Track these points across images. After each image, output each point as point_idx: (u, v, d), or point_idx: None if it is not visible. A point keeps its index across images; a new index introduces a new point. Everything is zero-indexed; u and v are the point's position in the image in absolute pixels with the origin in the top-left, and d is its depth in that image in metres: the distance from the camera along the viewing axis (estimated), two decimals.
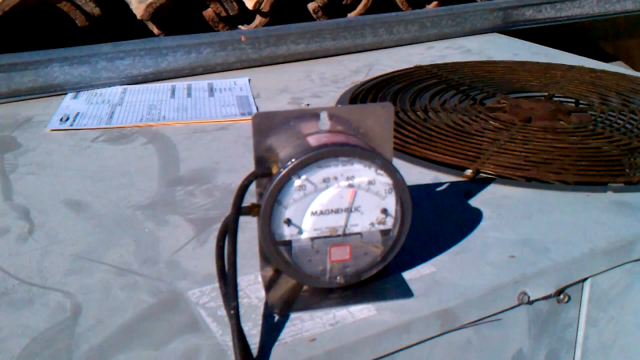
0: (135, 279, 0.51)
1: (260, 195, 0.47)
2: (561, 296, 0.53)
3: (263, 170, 0.47)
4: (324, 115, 0.48)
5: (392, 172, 0.46)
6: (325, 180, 0.46)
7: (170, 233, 0.58)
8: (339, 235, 0.47)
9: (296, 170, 0.45)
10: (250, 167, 0.47)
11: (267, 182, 0.46)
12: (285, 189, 0.45)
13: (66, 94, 0.97)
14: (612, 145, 0.75)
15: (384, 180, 0.46)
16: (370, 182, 0.46)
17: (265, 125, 0.47)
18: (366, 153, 0.46)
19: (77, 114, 0.89)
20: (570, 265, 0.53)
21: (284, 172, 0.45)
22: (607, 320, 0.58)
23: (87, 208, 0.63)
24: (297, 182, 0.45)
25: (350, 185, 0.46)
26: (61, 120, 0.87)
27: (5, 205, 0.64)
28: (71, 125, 0.85)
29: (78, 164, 0.73)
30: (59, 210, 0.63)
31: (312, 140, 0.47)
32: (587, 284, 0.55)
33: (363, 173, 0.46)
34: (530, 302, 0.52)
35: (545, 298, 0.52)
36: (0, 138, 0.82)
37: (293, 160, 0.45)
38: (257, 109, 0.90)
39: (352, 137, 0.48)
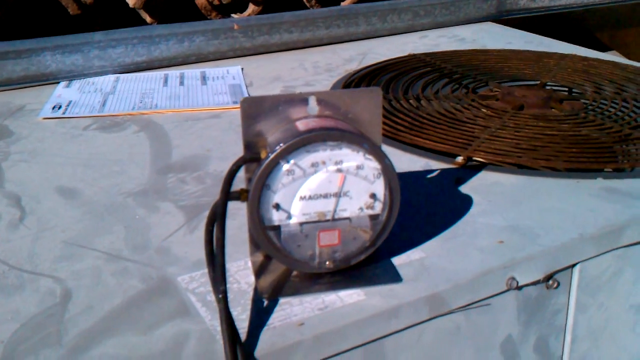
0: (125, 265, 0.51)
1: (249, 180, 0.47)
2: (550, 282, 0.53)
3: (252, 155, 0.47)
4: (312, 100, 0.48)
5: (381, 157, 0.46)
6: (314, 165, 0.46)
7: (161, 220, 0.58)
8: (327, 220, 0.47)
9: (284, 155, 0.45)
10: (241, 154, 0.47)
11: (256, 167, 0.46)
12: (274, 173, 0.45)
13: (59, 82, 0.97)
14: (603, 133, 0.75)
15: (372, 165, 0.46)
16: (358, 167, 0.46)
17: (254, 110, 0.47)
18: (354, 137, 0.46)
19: (70, 103, 0.88)
20: (559, 250, 0.53)
21: (272, 156, 0.45)
22: (597, 306, 0.58)
23: (78, 195, 0.63)
24: (285, 167, 0.45)
25: (339, 170, 0.46)
26: (53, 108, 0.87)
27: None
28: (63, 113, 0.85)
29: (70, 151, 0.73)
30: (50, 197, 0.63)
31: (301, 125, 0.47)
32: (576, 270, 0.55)
33: (351, 157, 0.46)
34: (519, 288, 0.52)
35: (534, 283, 0.53)
36: None
37: (281, 144, 0.45)
38: None
39: (340, 122, 0.48)
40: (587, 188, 0.63)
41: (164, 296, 0.47)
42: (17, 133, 0.79)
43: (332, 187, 0.46)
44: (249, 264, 0.51)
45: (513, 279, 0.51)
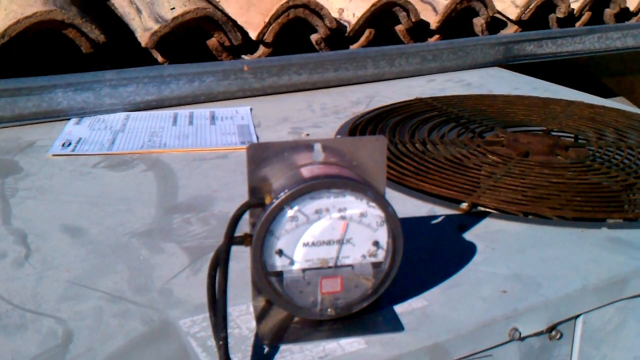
0: (127, 307, 0.51)
1: (253, 225, 0.47)
2: (553, 333, 0.53)
3: (256, 200, 0.47)
4: (317, 147, 0.49)
5: (384, 205, 0.47)
6: (318, 212, 0.46)
7: (165, 261, 0.58)
8: (330, 267, 0.47)
9: (289, 201, 0.45)
10: (247, 196, 0.47)
11: (260, 212, 0.46)
12: (278, 219, 0.45)
13: (69, 119, 0.98)
14: (609, 182, 0.75)
15: (375, 213, 0.47)
16: (362, 215, 0.47)
17: (260, 155, 0.48)
18: (358, 185, 0.46)
19: (79, 140, 0.90)
20: (562, 301, 0.53)
21: (276, 202, 0.45)
22: (600, 358, 0.58)
23: (84, 234, 0.64)
24: (289, 213, 0.45)
25: (342, 217, 0.46)
26: (63, 145, 0.88)
27: (3, 229, 0.64)
28: (73, 150, 0.86)
29: (78, 189, 0.74)
30: (56, 235, 0.63)
31: (306, 172, 0.47)
32: (579, 321, 0.55)
33: (355, 205, 0.46)
34: (521, 339, 0.51)
35: (536, 334, 0.52)
36: (2, 162, 0.82)
37: (286, 191, 0.45)
38: (258, 138, 0.91)
39: (345, 169, 0.48)
40: (591, 238, 0.63)
41: (165, 340, 0.47)
42: (25, 169, 0.80)
43: (335, 234, 0.46)
44: (251, 308, 0.51)
45: (515, 329, 0.50)
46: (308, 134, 0.93)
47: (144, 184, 0.75)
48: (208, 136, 0.91)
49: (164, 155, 0.84)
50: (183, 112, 1.03)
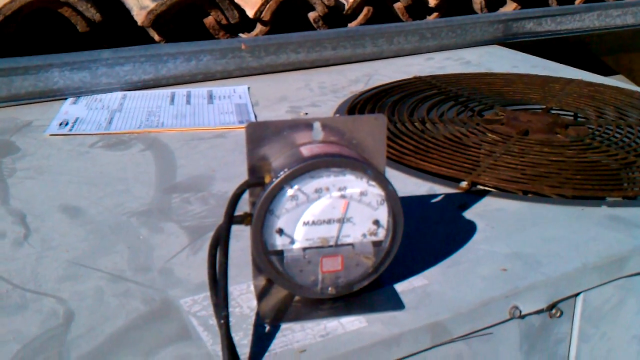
0: (128, 286, 0.51)
1: (253, 204, 0.47)
2: (553, 311, 0.53)
3: (256, 179, 0.47)
4: (317, 126, 0.48)
5: (384, 184, 0.47)
6: (318, 191, 0.46)
7: (165, 240, 0.58)
8: (330, 246, 0.47)
9: (288, 180, 0.45)
10: (245, 175, 0.47)
11: (260, 191, 0.46)
12: (278, 198, 0.45)
13: (66, 99, 0.98)
14: (609, 159, 0.75)
15: (375, 192, 0.47)
16: (362, 193, 0.46)
17: (259, 134, 0.48)
18: (358, 164, 0.46)
19: (77, 119, 0.89)
20: (562, 279, 0.53)
21: (276, 181, 0.45)
22: (600, 335, 0.58)
23: (82, 214, 0.63)
24: (289, 192, 0.45)
25: (343, 196, 0.46)
26: (60, 125, 0.87)
27: (2, 209, 0.64)
28: (70, 130, 0.85)
29: (75, 169, 0.74)
30: (54, 215, 0.63)
31: (305, 151, 0.47)
32: (579, 299, 0.55)
33: (355, 184, 0.46)
34: (521, 317, 0.52)
35: (536, 312, 0.53)
36: None
37: (285, 170, 0.45)
38: (256, 117, 0.91)
39: (344, 148, 0.48)
40: (591, 216, 0.63)
41: (166, 319, 0.47)
42: (23, 149, 0.79)
43: (336, 213, 0.46)
44: (252, 287, 0.51)
45: (516, 307, 0.51)
46: (307, 113, 0.92)
47: (142, 164, 0.75)
48: (206, 115, 0.91)
49: (162, 135, 0.84)
50: (180, 91, 1.02)
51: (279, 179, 0.45)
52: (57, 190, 0.68)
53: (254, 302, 0.49)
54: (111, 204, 0.65)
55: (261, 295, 0.49)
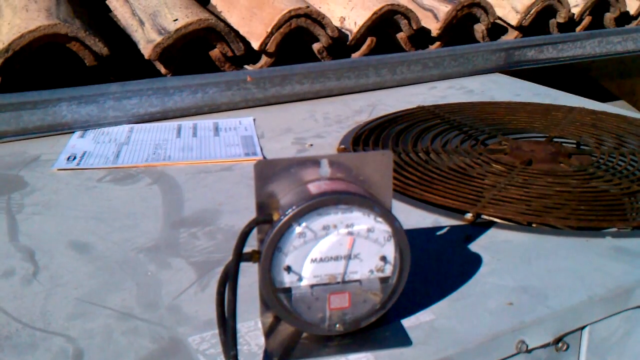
0: (136, 324, 0.52)
1: (261, 241, 0.48)
2: (559, 344, 0.53)
3: (264, 216, 0.48)
4: (324, 163, 0.49)
5: (391, 220, 0.47)
6: (325, 228, 0.46)
7: (173, 276, 0.59)
8: (338, 283, 0.47)
9: (297, 218, 0.46)
10: (252, 208, 0.48)
11: (268, 228, 0.46)
12: (286, 236, 0.46)
13: (73, 132, 0.99)
14: (615, 189, 0.75)
15: (383, 228, 0.47)
16: (369, 230, 0.47)
17: (267, 172, 0.48)
18: (365, 201, 0.47)
19: (84, 153, 0.90)
20: (568, 313, 0.53)
21: (284, 219, 0.45)
22: None
23: (91, 249, 0.64)
24: (297, 230, 0.46)
25: (350, 233, 0.47)
26: (68, 159, 0.88)
27: (11, 246, 0.65)
28: (78, 164, 0.86)
29: (84, 204, 0.74)
30: (63, 251, 0.64)
31: (313, 188, 0.48)
32: (585, 332, 0.55)
33: (362, 221, 0.47)
34: (528, 351, 0.52)
35: (543, 346, 0.53)
36: (7, 177, 0.83)
37: (294, 207, 0.46)
38: (261, 149, 0.91)
39: (352, 185, 0.49)
40: (596, 247, 0.63)
41: (175, 357, 0.48)
42: (31, 184, 0.80)
43: (343, 249, 0.47)
44: (260, 324, 0.51)
45: (523, 342, 0.51)
46: (312, 144, 0.93)
47: (149, 198, 0.76)
48: (212, 148, 0.92)
49: (169, 168, 0.85)
50: (187, 123, 1.03)
51: (287, 217, 0.45)
52: (65, 226, 0.69)
53: (262, 340, 0.49)
54: (119, 239, 0.66)
55: (269, 332, 0.50)
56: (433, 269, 0.59)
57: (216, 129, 1.00)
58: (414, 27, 1.26)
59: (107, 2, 1.32)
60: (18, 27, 0.99)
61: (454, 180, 0.77)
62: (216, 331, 0.49)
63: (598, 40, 1.47)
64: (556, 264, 0.60)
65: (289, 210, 0.46)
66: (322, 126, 1.02)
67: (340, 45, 1.23)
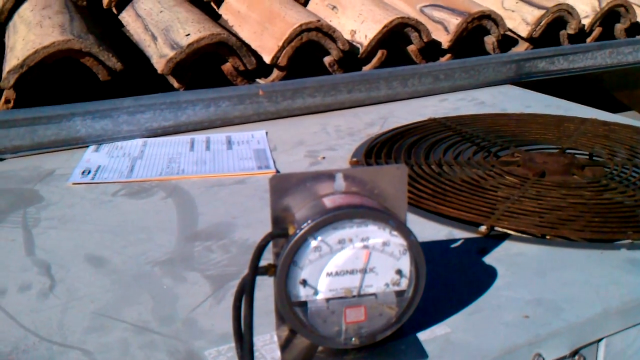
0: (152, 338, 0.52)
1: (276, 255, 0.48)
2: (576, 357, 0.53)
3: (280, 230, 0.48)
4: (339, 177, 0.49)
5: (406, 234, 0.47)
6: (341, 242, 0.46)
7: (188, 290, 0.59)
8: (354, 296, 0.47)
9: (312, 232, 0.46)
10: (266, 221, 0.48)
11: (284, 242, 0.47)
12: (302, 250, 0.46)
13: (88, 147, 1.00)
14: (629, 200, 0.75)
15: (398, 242, 0.47)
16: (384, 244, 0.47)
17: (282, 186, 0.48)
18: (380, 215, 0.47)
19: (99, 167, 0.91)
20: (584, 325, 0.53)
21: (300, 233, 0.46)
22: None
23: (106, 263, 0.64)
24: (313, 244, 0.46)
25: (365, 247, 0.47)
26: (83, 173, 0.89)
27: (27, 260, 0.65)
28: (92, 178, 0.87)
29: (99, 218, 0.75)
30: (79, 265, 0.64)
31: (328, 202, 0.48)
32: (602, 344, 0.55)
33: (377, 234, 0.47)
34: None
35: (560, 359, 0.52)
36: (23, 191, 0.84)
37: (309, 221, 0.46)
38: (274, 162, 0.92)
39: (366, 199, 0.49)
40: (610, 259, 0.63)
41: None
42: (47, 198, 0.81)
43: (358, 263, 0.47)
44: (275, 337, 0.51)
45: (539, 355, 0.51)
46: (324, 157, 0.94)
47: (163, 212, 0.76)
48: (225, 161, 0.92)
49: (183, 182, 0.85)
50: (200, 137, 1.04)
51: (302, 231, 0.46)
52: (81, 240, 0.70)
53: (278, 353, 0.49)
54: (135, 253, 0.66)
55: (284, 345, 0.50)
56: (448, 282, 0.59)
57: (229, 143, 1.00)
58: (425, 40, 1.27)
59: (119, 17, 1.34)
60: (32, 43, 1.00)
61: (467, 193, 0.77)
62: (232, 344, 0.49)
63: (609, 51, 1.47)
64: (571, 276, 0.60)
65: (305, 224, 0.46)
66: (334, 139, 1.02)
67: (352, 58, 1.24)
